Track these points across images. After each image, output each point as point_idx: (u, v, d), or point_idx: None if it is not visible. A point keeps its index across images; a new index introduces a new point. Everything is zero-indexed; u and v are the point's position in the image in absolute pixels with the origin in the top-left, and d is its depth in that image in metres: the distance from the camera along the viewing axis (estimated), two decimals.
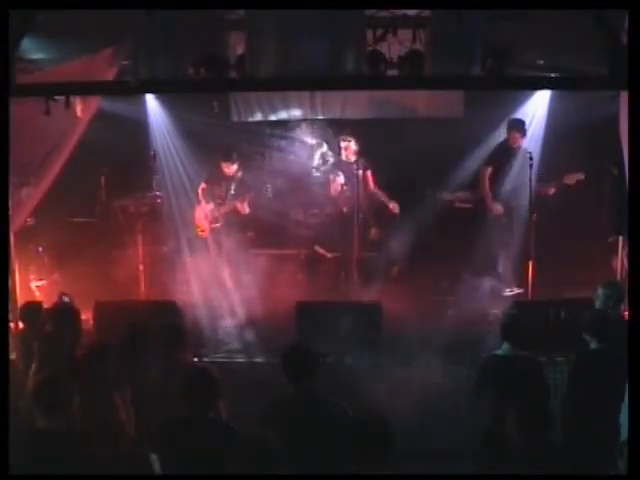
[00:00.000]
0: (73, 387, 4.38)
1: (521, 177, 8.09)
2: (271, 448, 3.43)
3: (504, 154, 8.35)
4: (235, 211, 8.58)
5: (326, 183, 8.86)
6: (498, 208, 8.34)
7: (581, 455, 5.14)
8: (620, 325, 5.24)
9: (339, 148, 8.87)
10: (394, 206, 8.67)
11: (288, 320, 6.92)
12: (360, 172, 8.40)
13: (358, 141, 8.69)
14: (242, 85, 6.74)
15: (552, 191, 8.05)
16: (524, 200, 7.89)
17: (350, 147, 8.66)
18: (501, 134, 8.76)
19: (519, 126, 8.34)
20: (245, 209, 8.50)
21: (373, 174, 8.83)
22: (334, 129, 9.87)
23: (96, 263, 8.38)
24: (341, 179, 8.63)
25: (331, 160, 9.46)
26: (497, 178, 8.35)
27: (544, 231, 7.95)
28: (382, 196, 8.77)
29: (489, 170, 8.40)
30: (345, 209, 8.66)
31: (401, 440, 3.64)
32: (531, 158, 7.73)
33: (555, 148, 8.39)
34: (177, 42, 5.85)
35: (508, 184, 8.31)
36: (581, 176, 8.01)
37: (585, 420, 5.15)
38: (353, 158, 8.62)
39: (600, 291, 5.93)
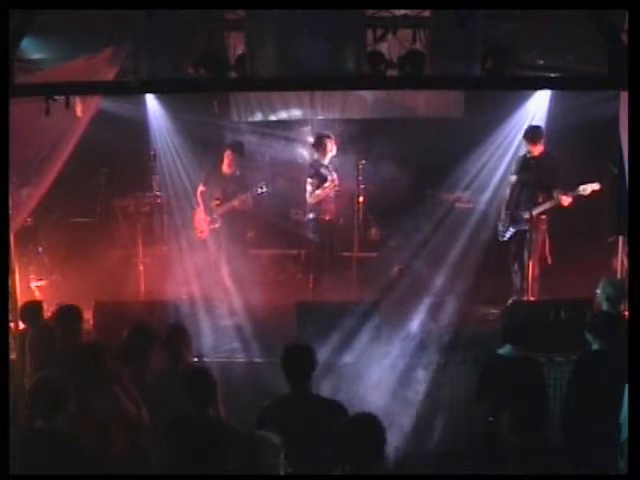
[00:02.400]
0: (71, 387, 4.38)
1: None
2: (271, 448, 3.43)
3: (527, 165, 7.97)
4: (233, 210, 8.55)
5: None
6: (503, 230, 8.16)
7: (581, 455, 5.15)
8: (621, 325, 5.25)
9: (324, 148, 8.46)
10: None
11: (288, 320, 6.92)
12: (334, 175, 8.25)
13: (335, 141, 8.48)
14: (242, 85, 6.74)
15: (569, 202, 7.75)
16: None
17: (330, 146, 8.41)
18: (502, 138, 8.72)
19: (533, 134, 7.99)
20: (242, 205, 8.47)
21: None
22: (334, 129, 9.89)
23: (96, 263, 8.37)
24: (312, 181, 8.35)
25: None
26: (522, 190, 8.02)
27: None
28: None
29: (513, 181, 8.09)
30: (320, 215, 8.43)
31: (401, 440, 3.64)
32: (531, 158, 7.72)
33: (555, 148, 8.38)
34: (177, 42, 5.84)
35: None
36: (596, 186, 7.60)
37: (586, 420, 5.14)
38: (327, 160, 8.39)
39: (600, 289, 5.93)
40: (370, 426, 3.62)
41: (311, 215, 8.52)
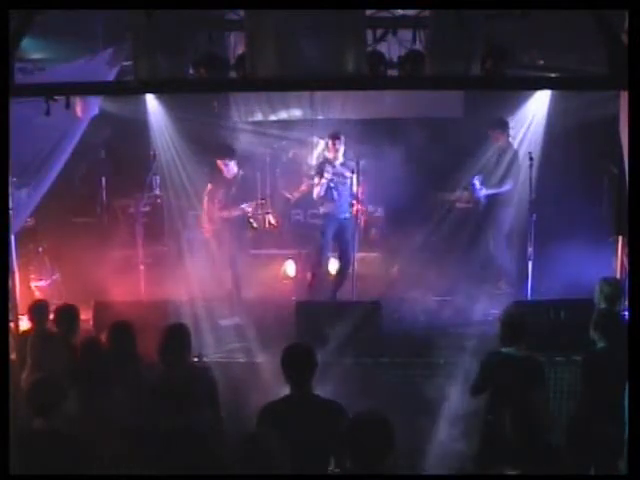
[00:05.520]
0: (68, 387, 4.38)
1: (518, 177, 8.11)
2: (271, 448, 3.42)
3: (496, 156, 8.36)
4: (240, 213, 8.46)
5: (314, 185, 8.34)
6: None
7: (581, 455, 5.14)
8: (621, 323, 5.26)
9: (332, 148, 8.14)
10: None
11: (288, 320, 6.92)
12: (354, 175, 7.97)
13: (345, 141, 8.14)
14: (242, 85, 6.74)
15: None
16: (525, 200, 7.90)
17: (340, 148, 8.06)
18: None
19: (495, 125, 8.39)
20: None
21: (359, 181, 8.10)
22: (333, 129, 9.88)
23: (96, 263, 8.37)
24: (326, 180, 8.03)
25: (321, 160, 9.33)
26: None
27: (544, 231, 7.96)
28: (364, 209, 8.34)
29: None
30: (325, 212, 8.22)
31: (401, 440, 3.64)
32: (531, 158, 7.74)
33: (555, 148, 8.39)
34: (177, 42, 5.85)
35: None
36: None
37: (587, 420, 5.15)
38: (341, 160, 8.07)
39: (597, 289, 5.94)
40: (378, 426, 3.59)
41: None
